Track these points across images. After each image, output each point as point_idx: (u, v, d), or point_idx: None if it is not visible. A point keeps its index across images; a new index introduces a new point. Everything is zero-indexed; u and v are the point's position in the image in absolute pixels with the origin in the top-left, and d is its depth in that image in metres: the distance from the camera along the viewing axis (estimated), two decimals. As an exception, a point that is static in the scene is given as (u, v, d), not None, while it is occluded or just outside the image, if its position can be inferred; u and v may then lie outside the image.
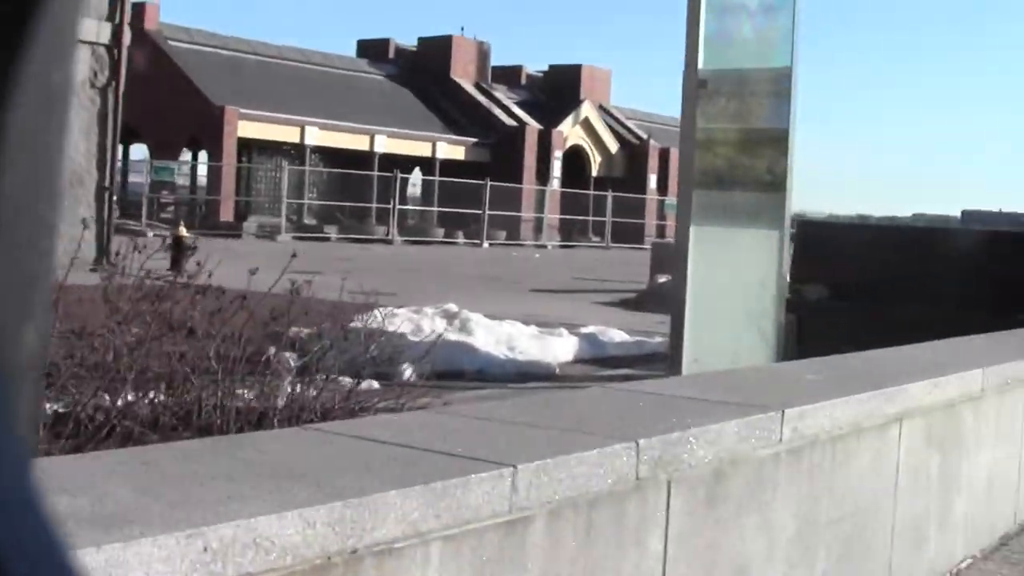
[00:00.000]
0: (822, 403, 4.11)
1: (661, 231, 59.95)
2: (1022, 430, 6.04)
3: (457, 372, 11.12)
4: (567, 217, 47.30)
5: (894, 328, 11.67)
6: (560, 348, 11.70)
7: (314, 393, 5.94)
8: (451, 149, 45.40)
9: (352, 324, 11.48)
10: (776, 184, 7.98)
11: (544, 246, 44.17)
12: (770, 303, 8.11)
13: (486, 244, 41.27)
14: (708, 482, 3.50)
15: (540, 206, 46.01)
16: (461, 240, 41.52)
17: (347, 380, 8.41)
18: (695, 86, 7.85)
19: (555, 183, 47.35)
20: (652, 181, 53.91)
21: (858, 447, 4.38)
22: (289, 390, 5.96)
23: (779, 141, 7.82)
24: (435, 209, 43.63)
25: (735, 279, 7.93)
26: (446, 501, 2.61)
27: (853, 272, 12.44)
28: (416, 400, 9.60)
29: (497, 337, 11.32)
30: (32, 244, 0.57)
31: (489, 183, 41.73)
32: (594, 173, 50.45)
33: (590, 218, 48.26)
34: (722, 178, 8.01)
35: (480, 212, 41.60)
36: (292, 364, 6.10)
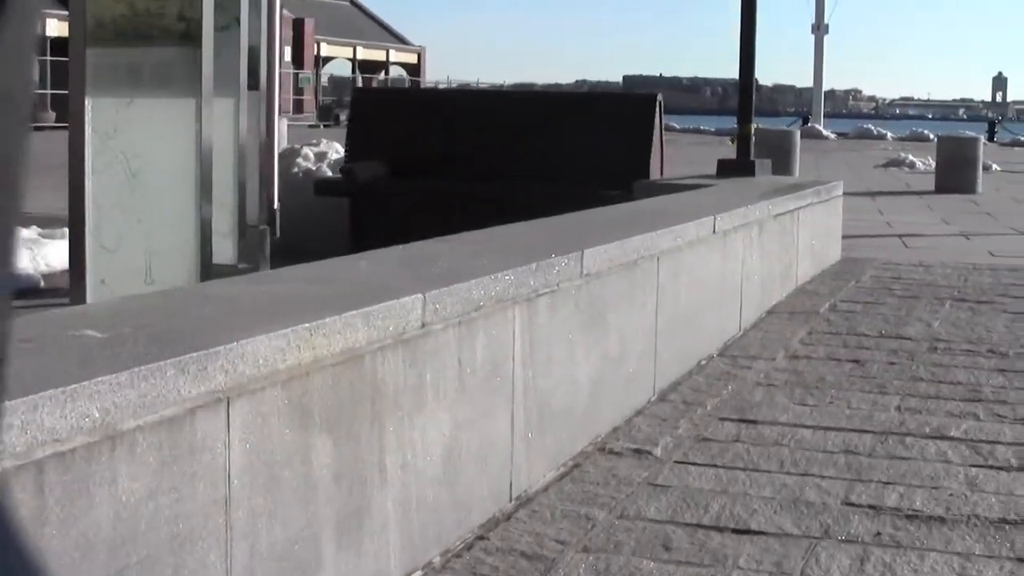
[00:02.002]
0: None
1: (298, 106, 57.73)
2: (516, 372, 4.41)
3: None
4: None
5: (462, 210, 10.08)
6: (56, 255, 9.50)
7: None
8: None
9: None
10: (191, 35, 6.06)
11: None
12: (191, 198, 6.27)
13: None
14: None
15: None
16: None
17: None
18: None
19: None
20: (286, 54, 54.30)
21: (113, 469, 2.56)
22: None
23: (192, -25, 5.87)
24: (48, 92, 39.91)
25: (148, 167, 6.01)
26: None
27: (416, 146, 10.77)
28: None
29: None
30: None
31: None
32: (224, 46, 48.03)
33: (222, 96, 45.84)
34: (124, 30, 6.00)
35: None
36: None
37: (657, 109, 10.13)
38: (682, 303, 6.25)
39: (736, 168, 9.96)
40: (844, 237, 11.85)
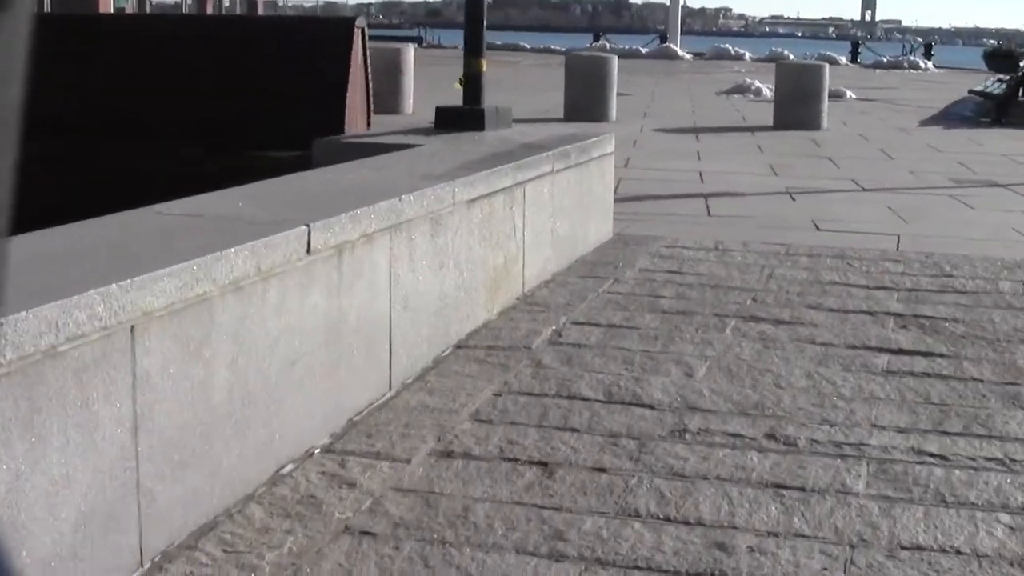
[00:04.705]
0: None
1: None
2: None
3: None
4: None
5: (75, 182, 7.37)
6: None
7: None
8: None
9: None
10: None
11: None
12: None
13: None
14: None
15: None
16: None
17: None
18: None
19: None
20: None
21: None
22: None
23: None
24: None
25: None
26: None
27: (42, 91, 7.86)
28: None
29: None
30: None
31: None
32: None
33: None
34: None
35: None
36: None
37: (357, 40, 7.40)
38: (220, 388, 3.61)
39: (460, 119, 7.30)
40: (636, 199, 9.37)
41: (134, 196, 5.89)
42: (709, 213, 9.07)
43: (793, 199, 9.89)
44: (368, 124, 7.70)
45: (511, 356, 5.19)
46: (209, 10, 61.52)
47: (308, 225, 4.07)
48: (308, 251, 4.08)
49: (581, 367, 5.03)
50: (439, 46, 54.85)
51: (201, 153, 7.01)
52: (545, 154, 6.47)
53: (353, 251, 4.39)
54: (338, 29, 7.53)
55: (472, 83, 7.34)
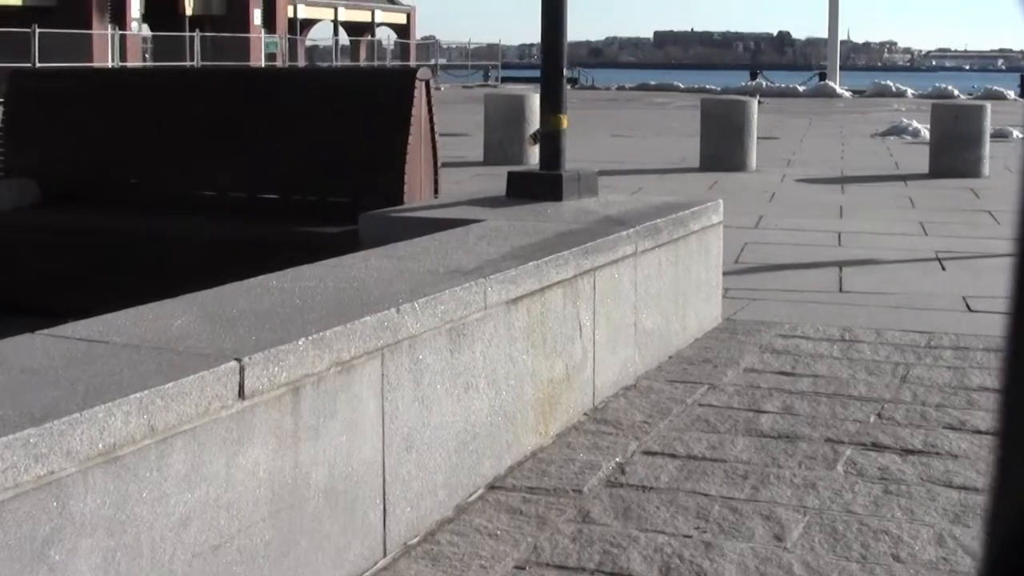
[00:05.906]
0: None
1: (267, 75, 54.08)
2: None
3: None
4: (158, 64, 42.25)
5: (115, 256, 6.49)
6: None
7: None
8: (1, -7, 38.10)
9: None
10: None
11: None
12: None
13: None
14: None
15: (121, 55, 40.71)
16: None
17: None
18: None
19: (135, 25, 42.36)
20: (256, 17, 52.40)
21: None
22: None
23: None
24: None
25: None
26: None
27: (77, 157, 7.12)
28: None
29: None
30: None
31: (37, 30, 34.21)
32: (188, 12, 45.54)
33: (186, 63, 43.12)
34: None
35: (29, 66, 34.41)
36: None
37: (421, 95, 6.37)
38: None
39: (534, 187, 6.21)
40: (760, 269, 8.19)
41: (144, 278, 5.02)
42: (841, 288, 7.79)
43: (943, 268, 8.55)
44: (436, 191, 6.66)
45: (553, 504, 4.06)
46: (363, 54, 61.66)
47: (240, 360, 3.03)
48: (241, 395, 3.03)
49: (639, 523, 3.88)
50: (593, 87, 54.06)
51: (237, 228, 6.07)
52: (624, 232, 5.34)
53: (320, 386, 3.34)
54: (396, 84, 6.50)
55: (550, 144, 6.24)
